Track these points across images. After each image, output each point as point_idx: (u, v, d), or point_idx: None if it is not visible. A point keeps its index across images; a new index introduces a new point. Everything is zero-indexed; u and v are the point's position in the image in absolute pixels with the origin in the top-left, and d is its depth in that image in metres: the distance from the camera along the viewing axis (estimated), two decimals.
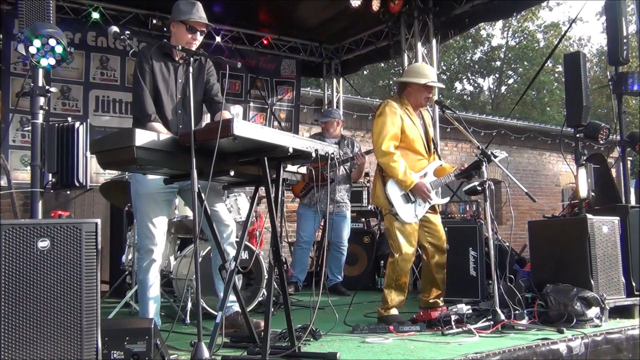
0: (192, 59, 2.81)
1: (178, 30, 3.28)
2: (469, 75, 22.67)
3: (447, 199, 4.54)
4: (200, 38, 3.31)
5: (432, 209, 3.88)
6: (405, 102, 3.87)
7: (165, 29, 3.22)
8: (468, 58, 22.00)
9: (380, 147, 3.70)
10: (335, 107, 8.38)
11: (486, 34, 21.26)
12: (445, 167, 3.98)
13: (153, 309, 3.24)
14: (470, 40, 20.83)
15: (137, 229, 3.27)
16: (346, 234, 5.62)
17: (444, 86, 4.19)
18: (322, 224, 6.13)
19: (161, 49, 3.31)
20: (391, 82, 19.10)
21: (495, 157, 3.79)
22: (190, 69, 2.78)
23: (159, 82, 3.25)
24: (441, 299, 3.97)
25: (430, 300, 3.92)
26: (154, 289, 3.26)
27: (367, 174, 6.70)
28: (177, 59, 3.33)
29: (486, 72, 22.49)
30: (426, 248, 3.89)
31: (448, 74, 21.96)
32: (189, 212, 4.25)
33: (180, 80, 3.33)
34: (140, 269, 3.23)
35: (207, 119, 4.00)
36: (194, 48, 3.23)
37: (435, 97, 4.67)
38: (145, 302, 3.23)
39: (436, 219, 3.92)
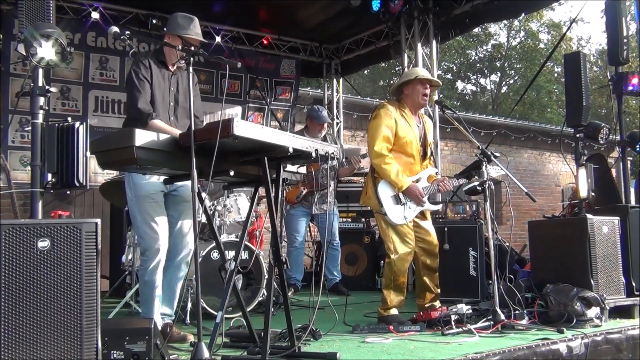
0: (190, 65, 2.79)
1: (173, 42, 3.26)
2: (470, 75, 22.65)
3: (440, 206, 4.53)
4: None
5: (422, 214, 3.88)
6: (403, 105, 3.89)
7: (165, 29, 3.24)
8: (471, 57, 21.96)
9: (373, 149, 3.75)
10: (335, 107, 8.39)
11: (487, 32, 21.23)
12: (434, 177, 3.98)
13: (158, 309, 3.24)
14: (473, 39, 20.78)
15: (140, 232, 3.21)
16: (336, 230, 5.69)
17: (438, 81, 4.20)
18: (314, 224, 6.13)
19: (156, 57, 3.33)
20: (391, 82, 19.09)
21: (496, 157, 3.79)
22: (188, 72, 2.78)
23: (155, 88, 3.26)
24: (437, 301, 3.94)
25: (426, 305, 3.89)
26: (160, 289, 3.26)
27: (366, 175, 6.69)
28: (172, 69, 3.35)
29: (488, 71, 22.47)
30: (416, 253, 3.87)
31: (450, 74, 21.94)
32: None
33: (172, 89, 3.35)
34: (147, 270, 3.19)
35: (207, 119, 4.00)
36: (183, 62, 3.24)
37: (435, 97, 4.67)
38: (151, 302, 3.21)
39: (426, 224, 3.92)
